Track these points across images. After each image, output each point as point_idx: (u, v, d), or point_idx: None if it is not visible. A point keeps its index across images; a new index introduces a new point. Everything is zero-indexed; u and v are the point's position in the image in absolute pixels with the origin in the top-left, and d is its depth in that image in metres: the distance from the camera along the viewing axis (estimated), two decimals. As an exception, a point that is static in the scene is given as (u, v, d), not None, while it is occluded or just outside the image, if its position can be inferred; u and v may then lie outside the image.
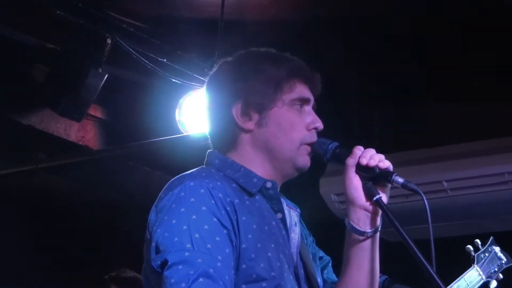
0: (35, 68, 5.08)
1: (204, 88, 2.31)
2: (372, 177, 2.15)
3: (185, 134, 4.97)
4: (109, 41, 4.62)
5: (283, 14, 4.76)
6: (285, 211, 2.20)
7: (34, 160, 5.64)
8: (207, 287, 1.92)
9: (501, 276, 3.75)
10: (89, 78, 4.66)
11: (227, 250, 1.99)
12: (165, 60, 4.77)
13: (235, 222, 2.04)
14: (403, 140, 5.38)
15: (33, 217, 6.36)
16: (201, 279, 1.91)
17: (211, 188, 2.05)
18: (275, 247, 2.09)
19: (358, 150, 2.17)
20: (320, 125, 2.22)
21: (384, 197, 2.16)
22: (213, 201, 2.03)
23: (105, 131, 5.78)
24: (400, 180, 2.12)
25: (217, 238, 1.99)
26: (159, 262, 1.98)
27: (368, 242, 2.18)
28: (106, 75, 4.72)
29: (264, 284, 2.02)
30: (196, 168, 2.16)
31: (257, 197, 2.15)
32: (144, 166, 5.92)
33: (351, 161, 2.16)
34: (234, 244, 2.02)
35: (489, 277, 3.69)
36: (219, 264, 1.95)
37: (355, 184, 2.16)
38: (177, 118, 4.94)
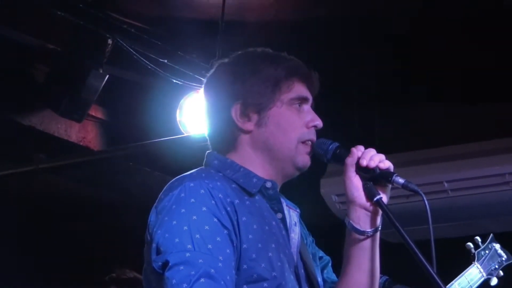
0: (36, 69, 5.08)
1: (202, 89, 2.31)
2: (373, 178, 2.16)
3: (186, 134, 4.97)
4: (110, 41, 4.62)
5: (283, 14, 4.76)
6: (285, 211, 2.20)
7: (35, 160, 5.64)
8: (208, 287, 1.92)
9: (501, 273, 3.76)
10: (90, 79, 4.66)
11: (228, 251, 1.99)
12: (166, 61, 4.77)
13: (235, 223, 2.04)
14: (404, 141, 5.38)
15: (34, 218, 6.36)
16: (202, 280, 1.91)
17: (211, 188, 2.05)
18: (276, 247, 2.09)
19: (358, 150, 2.17)
20: (319, 123, 2.23)
21: (384, 198, 2.16)
22: (213, 202, 2.03)
23: (106, 131, 5.78)
24: (401, 180, 2.12)
25: (218, 239, 1.99)
26: (160, 263, 1.98)
27: (368, 242, 2.19)
28: (107, 76, 4.72)
29: (265, 284, 2.03)
30: (196, 169, 2.16)
31: (257, 197, 2.15)
32: (144, 167, 5.92)
33: (349, 160, 2.16)
34: (234, 245, 2.02)
35: (490, 274, 3.71)
36: (220, 264, 1.95)
37: (356, 184, 2.16)
38: (177, 118, 4.94)
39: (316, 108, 2.27)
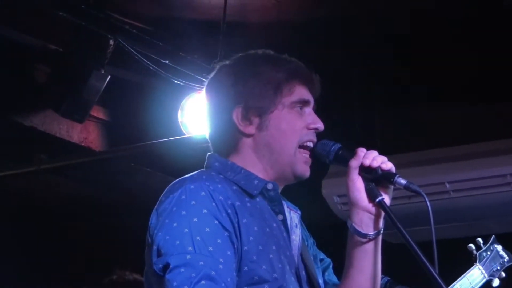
0: (37, 69, 5.09)
1: (204, 90, 2.31)
2: (375, 179, 2.15)
3: (187, 135, 4.97)
4: (111, 42, 4.62)
5: (285, 15, 4.76)
6: (285, 213, 2.20)
7: (36, 161, 5.64)
8: (209, 289, 1.92)
9: (503, 274, 3.76)
10: (92, 79, 4.66)
11: (228, 253, 1.99)
12: (167, 62, 4.76)
13: (236, 225, 2.04)
14: (405, 142, 5.37)
15: (35, 218, 6.36)
16: (203, 282, 1.91)
17: (211, 190, 2.05)
18: (277, 249, 2.09)
19: (361, 151, 2.17)
20: (320, 125, 2.22)
21: (386, 199, 2.16)
22: (214, 204, 2.03)
23: (108, 132, 5.77)
24: (403, 181, 2.12)
25: (219, 241, 1.99)
26: (160, 266, 1.98)
27: (370, 245, 2.18)
28: (109, 76, 4.72)
29: (266, 286, 2.02)
30: (197, 171, 2.16)
31: (258, 199, 2.15)
32: (146, 168, 5.91)
33: (354, 163, 2.16)
34: (235, 247, 2.02)
35: (492, 275, 3.71)
36: (221, 266, 1.95)
37: (358, 185, 2.16)
38: (179, 119, 4.94)
39: (317, 108, 2.27)
